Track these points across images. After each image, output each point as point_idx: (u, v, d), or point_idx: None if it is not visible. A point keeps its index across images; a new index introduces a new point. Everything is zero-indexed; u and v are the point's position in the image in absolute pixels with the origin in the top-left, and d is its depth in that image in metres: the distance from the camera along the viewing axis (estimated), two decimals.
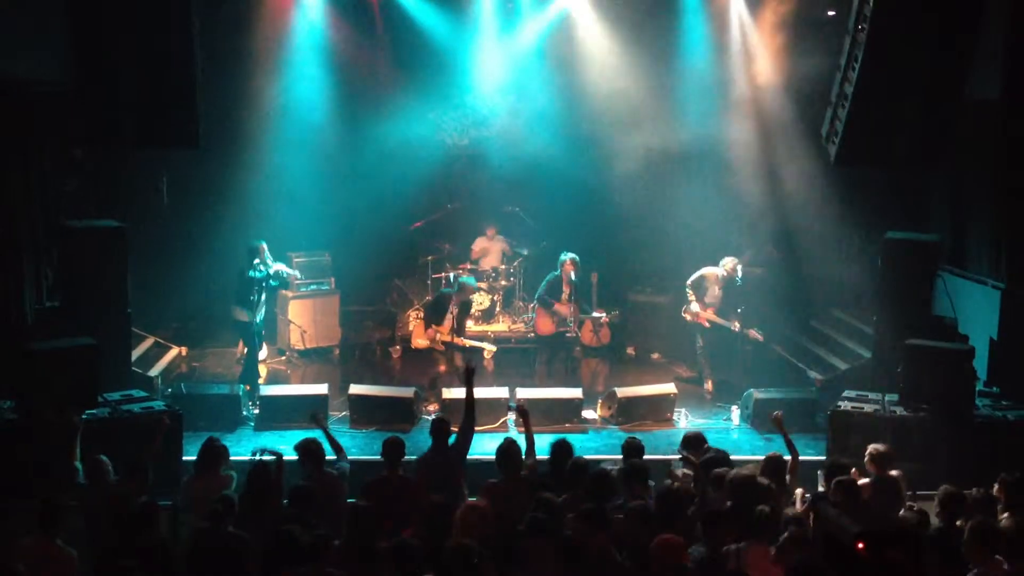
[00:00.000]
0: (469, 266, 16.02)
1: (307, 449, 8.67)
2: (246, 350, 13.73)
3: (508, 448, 8.60)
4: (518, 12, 15.99)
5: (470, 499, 7.87)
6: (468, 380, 9.34)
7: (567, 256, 13.45)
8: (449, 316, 14.12)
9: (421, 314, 15.31)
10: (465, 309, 13.52)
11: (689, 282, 13.86)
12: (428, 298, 15.54)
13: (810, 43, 14.51)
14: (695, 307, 13.76)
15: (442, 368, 13.46)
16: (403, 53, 15.92)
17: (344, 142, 15.75)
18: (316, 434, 9.14)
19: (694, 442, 9.04)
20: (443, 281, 15.61)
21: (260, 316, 13.56)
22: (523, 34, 16.16)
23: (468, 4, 15.81)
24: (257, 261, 13.32)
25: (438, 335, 13.31)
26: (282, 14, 15.16)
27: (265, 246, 13.51)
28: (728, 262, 13.66)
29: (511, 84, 16.59)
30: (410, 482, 8.63)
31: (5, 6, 11.54)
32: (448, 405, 12.12)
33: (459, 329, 13.73)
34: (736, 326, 13.57)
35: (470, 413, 9.17)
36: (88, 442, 9.66)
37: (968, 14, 10.85)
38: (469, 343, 14.22)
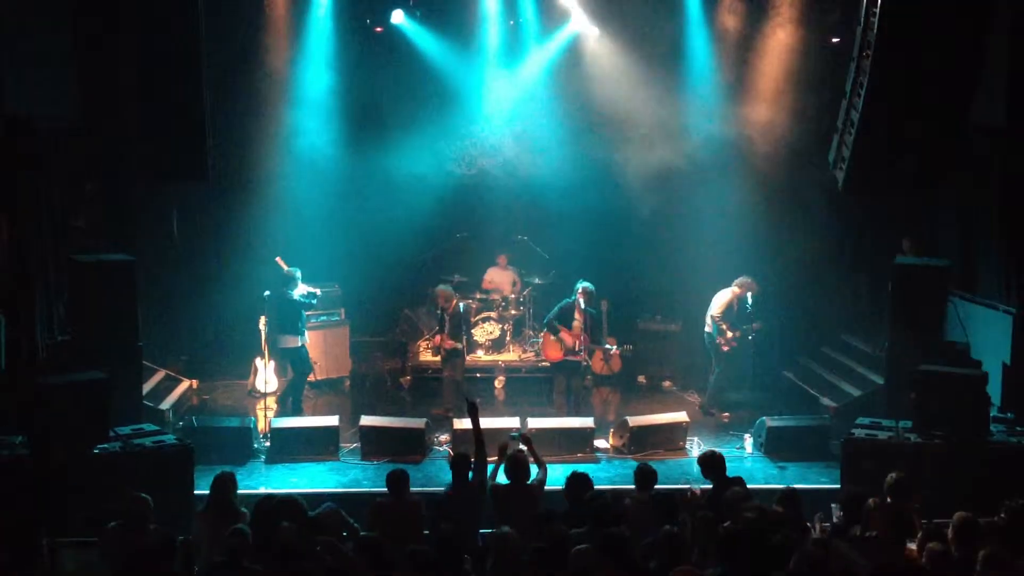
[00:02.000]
0: (480, 296, 16.02)
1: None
2: (293, 375, 13.76)
3: (516, 457, 9.05)
4: (524, 41, 16.07)
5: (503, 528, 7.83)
6: (474, 416, 9.41)
7: (581, 284, 13.43)
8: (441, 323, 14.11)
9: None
10: (454, 319, 13.66)
11: (719, 314, 13.82)
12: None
13: (816, 70, 14.55)
14: (730, 334, 13.78)
15: (446, 374, 13.63)
16: (411, 84, 15.96)
17: (353, 173, 15.78)
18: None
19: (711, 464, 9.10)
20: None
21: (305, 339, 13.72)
22: (530, 63, 16.23)
23: (474, 34, 15.87)
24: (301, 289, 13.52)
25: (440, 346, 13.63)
26: (290, 48, 15.24)
27: (298, 272, 13.63)
28: (742, 282, 13.80)
29: (518, 113, 16.63)
30: (414, 508, 8.68)
31: (14, 43, 11.61)
32: (460, 436, 12.11)
33: (455, 336, 13.81)
34: (745, 330, 13.75)
35: (481, 448, 9.23)
36: (100, 477, 9.69)
37: (972, 41, 10.87)
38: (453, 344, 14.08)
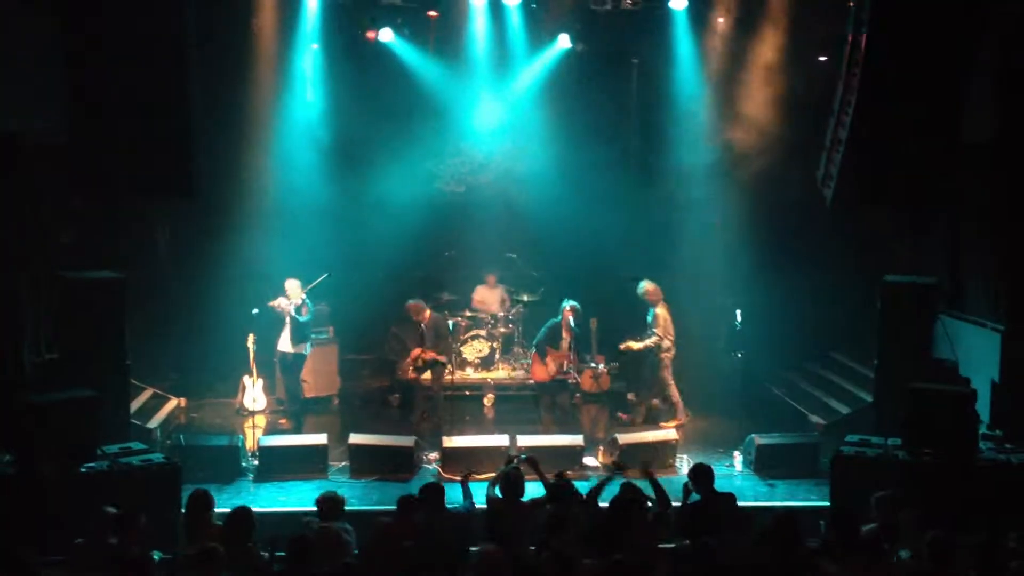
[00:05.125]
0: (468, 313, 16.00)
1: (329, 500, 8.73)
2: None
3: (512, 474, 9.07)
4: (513, 58, 16.09)
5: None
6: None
7: (568, 303, 13.44)
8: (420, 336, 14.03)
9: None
10: (433, 332, 13.70)
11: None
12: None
13: (804, 87, 14.61)
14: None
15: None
16: (398, 101, 15.97)
17: (341, 191, 15.77)
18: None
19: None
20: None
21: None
22: (518, 80, 16.27)
23: (462, 51, 15.89)
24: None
25: (420, 357, 13.63)
26: (278, 66, 15.24)
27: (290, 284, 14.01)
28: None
29: (507, 130, 16.67)
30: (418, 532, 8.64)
31: (3, 58, 11.58)
32: (449, 454, 12.09)
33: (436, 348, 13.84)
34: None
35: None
36: (87, 495, 9.62)
37: (959, 58, 10.93)
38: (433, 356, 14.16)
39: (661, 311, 14.05)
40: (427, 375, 14.14)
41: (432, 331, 13.76)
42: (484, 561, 7.38)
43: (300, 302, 13.94)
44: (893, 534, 8.25)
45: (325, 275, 14.31)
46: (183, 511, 8.86)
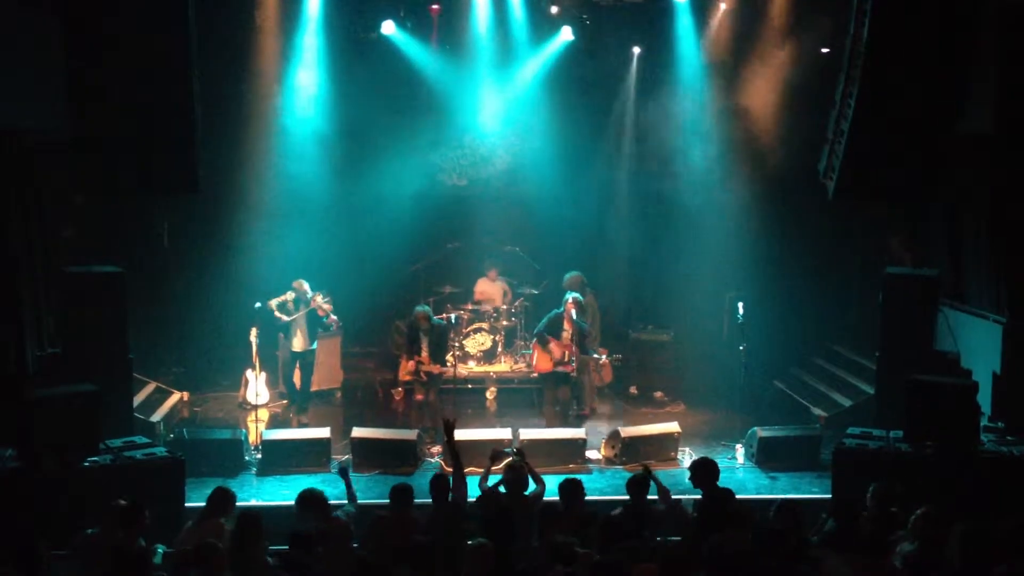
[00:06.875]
0: (471, 306, 16.00)
1: (310, 499, 8.64)
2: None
3: (516, 469, 9.05)
4: (516, 50, 16.08)
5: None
6: (450, 434, 9.44)
7: (570, 296, 13.42)
8: (423, 344, 13.75)
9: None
10: (437, 337, 13.44)
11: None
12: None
13: (807, 80, 14.61)
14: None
15: (418, 397, 13.53)
16: (401, 95, 15.98)
17: (344, 184, 15.79)
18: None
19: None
20: (445, 322, 15.55)
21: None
22: (521, 73, 16.27)
23: (465, 44, 15.89)
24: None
25: (420, 365, 13.35)
26: (280, 61, 15.25)
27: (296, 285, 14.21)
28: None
29: (510, 123, 16.67)
30: (415, 524, 8.64)
31: (4, 56, 11.58)
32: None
33: (437, 357, 13.53)
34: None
35: (458, 466, 9.20)
36: (90, 490, 9.65)
37: (960, 50, 10.92)
38: (443, 369, 13.90)
39: (588, 299, 14.13)
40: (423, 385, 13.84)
41: (432, 340, 13.52)
42: (474, 555, 7.39)
43: (328, 309, 14.35)
44: (890, 524, 8.28)
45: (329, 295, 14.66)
46: (204, 504, 8.82)
